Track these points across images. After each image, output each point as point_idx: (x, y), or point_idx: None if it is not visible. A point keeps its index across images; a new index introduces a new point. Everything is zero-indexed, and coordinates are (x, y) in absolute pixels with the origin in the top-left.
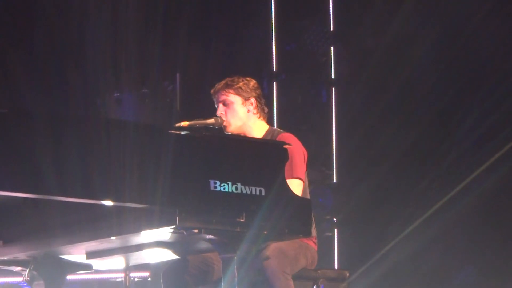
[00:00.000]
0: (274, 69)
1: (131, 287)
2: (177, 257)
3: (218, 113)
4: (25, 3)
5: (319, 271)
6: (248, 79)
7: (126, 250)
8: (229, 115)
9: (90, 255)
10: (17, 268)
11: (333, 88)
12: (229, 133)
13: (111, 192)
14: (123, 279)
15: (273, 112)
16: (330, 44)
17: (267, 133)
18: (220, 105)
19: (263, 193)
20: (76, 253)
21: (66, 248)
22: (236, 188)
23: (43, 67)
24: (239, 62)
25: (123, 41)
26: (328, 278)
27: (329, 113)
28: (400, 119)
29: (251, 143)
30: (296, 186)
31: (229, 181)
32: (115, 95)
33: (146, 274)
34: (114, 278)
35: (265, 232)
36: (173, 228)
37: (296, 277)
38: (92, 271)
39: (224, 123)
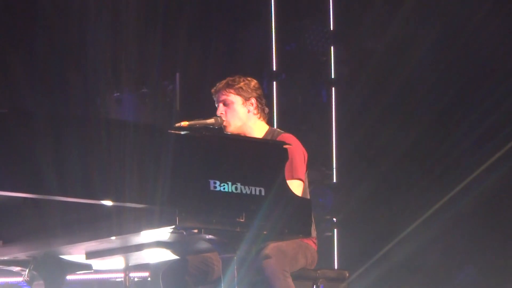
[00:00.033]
0: (274, 69)
1: (131, 287)
2: (177, 257)
3: (218, 112)
4: (25, 3)
5: (319, 271)
6: (249, 79)
7: (126, 250)
8: (229, 115)
9: (90, 255)
10: (17, 268)
11: (333, 88)
12: (229, 133)
13: (111, 192)
14: (123, 279)
15: (273, 112)
16: (330, 44)
17: (267, 133)
18: (221, 104)
19: (263, 193)
20: (76, 253)
21: (66, 248)
22: (236, 188)
23: (43, 67)
24: (239, 62)
25: (123, 41)
26: (328, 278)
27: (329, 113)
28: (400, 119)
29: (251, 143)
30: (296, 186)
31: (229, 181)
32: (115, 95)
33: (146, 274)
34: (114, 278)
35: (265, 232)
36: (172, 228)
37: (296, 277)
38: (92, 271)
39: (224, 123)
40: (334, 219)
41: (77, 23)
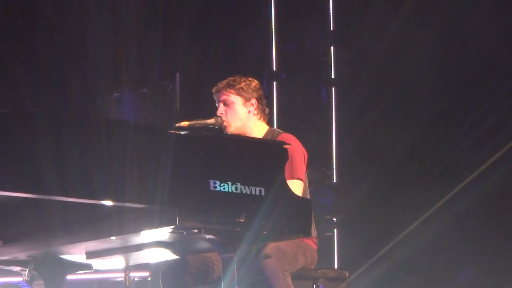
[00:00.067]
0: (274, 69)
1: (131, 287)
2: (177, 257)
3: (219, 112)
4: (25, 3)
5: (319, 271)
6: (250, 79)
7: (126, 250)
8: (229, 115)
9: (90, 255)
10: (17, 268)
11: (333, 88)
12: (229, 133)
13: (111, 192)
14: (123, 279)
15: (273, 112)
16: (330, 44)
17: (267, 133)
18: (221, 104)
19: (263, 193)
20: (76, 253)
21: (66, 248)
22: (236, 188)
23: (43, 67)
24: (239, 62)
25: (123, 41)
26: (328, 278)
27: (329, 113)
28: (400, 119)
29: (251, 143)
30: (297, 186)
31: (229, 181)
32: (115, 95)
33: (146, 274)
34: (114, 278)
35: (265, 232)
36: (172, 228)
37: (296, 277)
38: (92, 271)
39: (224, 123)
40: (334, 219)
41: (77, 23)
